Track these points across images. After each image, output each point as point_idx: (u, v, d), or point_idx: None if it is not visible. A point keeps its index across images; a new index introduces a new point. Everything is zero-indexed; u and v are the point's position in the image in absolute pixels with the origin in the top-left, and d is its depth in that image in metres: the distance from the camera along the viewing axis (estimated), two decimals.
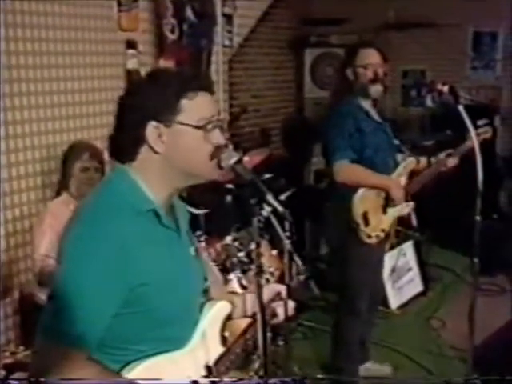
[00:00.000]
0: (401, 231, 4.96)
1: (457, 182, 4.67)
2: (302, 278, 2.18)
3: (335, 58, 6.67)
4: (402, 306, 5.23)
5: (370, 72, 3.65)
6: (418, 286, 5.49)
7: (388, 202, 3.73)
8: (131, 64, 4.61)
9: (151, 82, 1.81)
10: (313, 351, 4.46)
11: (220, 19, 5.67)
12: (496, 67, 7.19)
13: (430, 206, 4.21)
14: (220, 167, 1.82)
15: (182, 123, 1.78)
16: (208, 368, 1.92)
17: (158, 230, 1.81)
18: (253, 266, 3.76)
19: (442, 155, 3.84)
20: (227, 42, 5.84)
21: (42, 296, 3.29)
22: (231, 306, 2.12)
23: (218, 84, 5.73)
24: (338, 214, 3.72)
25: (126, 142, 1.81)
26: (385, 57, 3.73)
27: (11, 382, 2.54)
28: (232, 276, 3.91)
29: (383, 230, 3.75)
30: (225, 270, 3.94)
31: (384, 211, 3.74)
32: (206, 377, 1.89)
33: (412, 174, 3.84)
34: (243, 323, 2.14)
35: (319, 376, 4.10)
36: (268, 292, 2.17)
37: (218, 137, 1.82)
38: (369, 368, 4.12)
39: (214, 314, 2.03)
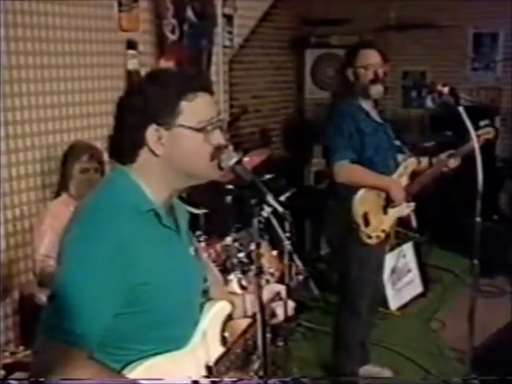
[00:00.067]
0: (401, 232, 4.96)
1: (457, 184, 4.67)
2: (301, 277, 2.18)
3: (336, 58, 6.66)
4: (402, 307, 5.23)
5: (370, 72, 3.65)
6: (417, 288, 5.49)
7: (389, 202, 3.73)
8: (132, 64, 4.61)
9: (151, 84, 1.80)
10: (312, 352, 4.47)
11: (220, 20, 5.67)
12: (496, 68, 7.19)
13: (429, 207, 4.21)
14: (220, 168, 1.82)
15: (181, 126, 1.78)
16: (208, 368, 1.92)
17: (158, 229, 1.81)
18: (253, 267, 3.76)
19: (443, 155, 3.84)
20: (227, 43, 5.84)
21: (41, 296, 3.29)
22: (231, 306, 2.12)
23: (219, 84, 5.73)
24: (339, 215, 3.72)
25: (125, 143, 1.81)
26: (385, 57, 3.74)
27: (11, 382, 2.54)
28: (232, 277, 3.91)
29: (384, 231, 3.75)
30: (225, 271, 3.94)
31: (385, 212, 3.74)
32: (206, 377, 1.89)
33: (413, 175, 3.84)
34: (243, 323, 2.14)
35: (319, 376, 4.11)
36: (267, 292, 2.18)
37: (218, 137, 1.82)
38: (369, 370, 4.12)
39: (215, 313, 2.03)
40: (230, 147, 1.85)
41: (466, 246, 3.47)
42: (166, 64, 4.87)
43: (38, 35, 3.89)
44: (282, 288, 2.20)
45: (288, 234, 1.79)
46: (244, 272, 3.99)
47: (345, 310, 3.93)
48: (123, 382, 1.73)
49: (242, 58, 6.27)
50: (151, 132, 1.77)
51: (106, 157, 3.32)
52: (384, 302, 4.95)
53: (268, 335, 1.81)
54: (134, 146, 1.80)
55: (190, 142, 1.79)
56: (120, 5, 4.47)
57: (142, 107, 1.77)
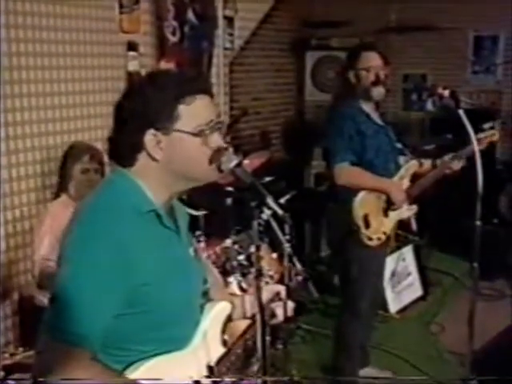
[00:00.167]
0: (400, 235, 4.96)
1: (457, 187, 4.67)
2: (300, 278, 2.18)
3: (336, 60, 6.67)
4: (402, 311, 5.23)
5: (371, 74, 3.66)
6: (417, 291, 5.48)
7: (389, 204, 3.73)
8: (132, 66, 4.61)
9: (150, 86, 1.80)
10: (312, 354, 4.46)
11: (221, 22, 5.67)
12: (497, 71, 7.19)
13: (429, 210, 4.21)
14: (220, 170, 1.82)
15: (179, 131, 1.78)
16: (210, 368, 1.92)
17: (159, 230, 1.82)
18: (252, 269, 3.76)
19: (447, 157, 3.82)
20: (228, 45, 5.84)
21: (41, 298, 3.29)
22: (232, 307, 2.12)
23: (219, 86, 5.74)
24: (339, 217, 3.73)
25: (124, 147, 1.81)
26: (386, 60, 3.74)
27: (10, 382, 2.54)
28: (232, 279, 3.91)
29: (385, 233, 3.75)
30: (224, 273, 3.94)
31: (385, 214, 3.74)
32: (207, 377, 1.90)
33: (414, 177, 3.84)
34: (243, 324, 2.14)
35: (317, 377, 4.11)
36: (267, 292, 2.18)
37: (217, 140, 1.82)
38: (368, 373, 4.12)
39: (215, 314, 2.04)
40: (230, 149, 1.85)
41: (465, 250, 3.46)
42: (167, 66, 4.87)
43: (38, 36, 3.89)
44: (281, 288, 2.20)
45: (288, 237, 1.79)
46: (244, 274, 3.99)
47: (345, 312, 3.93)
48: (125, 382, 1.73)
49: (243, 60, 6.28)
50: (149, 137, 1.77)
51: (106, 158, 3.33)
52: (384, 305, 4.95)
53: (267, 338, 1.81)
54: (132, 150, 1.80)
55: (189, 146, 1.79)
56: (121, 6, 4.47)
57: (140, 111, 1.77)
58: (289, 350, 3.83)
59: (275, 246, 4.00)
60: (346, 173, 3.63)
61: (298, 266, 1.94)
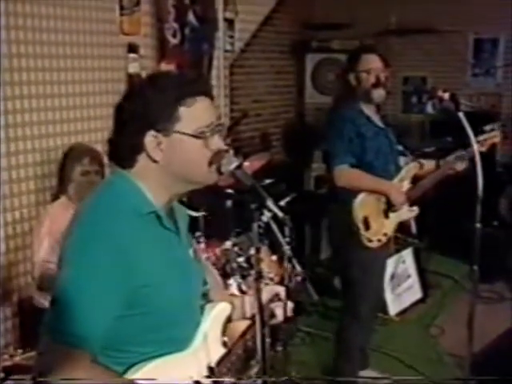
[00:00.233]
0: (400, 238, 4.96)
1: (457, 189, 4.66)
2: (299, 279, 2.18)
3: (336, 63, 6.68)
4: (401, 313, 5.22)
5: (372, 77, 3.66)
6: (417, 293, 5.48)
7: (390, 206, 3.73)
8: (133, 68, 4.61)
9: (151, 88, 1.80)
10: (311, 356, 4.46)
11: (222, 24, 5.68)
12: (497, 74, 7.19)
13: (429, 212, 4.21)
14: (220, 172, 1.82)
15: (180, 132, 1.78)
16: (210, 369, 1.93)
17: (159, 232, 1.82)
18: (252, 272, 3.76)
19: (450, 157, 3.82)
20: (228, 47, 5.85)
21: (40, 299, 3.29)
22: (231, 308, 2.13)
23: (219, 89, 5.74)
24: (340, 218, 3.73)
25: (124, 148, 1.81)
26: (386, 62, 3.75)
27: (9, 383, 2.53)
28: (231, 281, 3.91)
29: (385, 235, 3.75)
30: (224, 275, 3.94)
31: (386, 216, 3.74)
32: (207, 377, 1.90)
33: (415, 179, 3.83)
34: (243, 325, 2.14)
35: (317, 377, 4.10)
36: (266, 293, 2.18)
37: (217, 142, 1.82)
38: (368, 375, 4.11)
39: (215, 315, 2.04)
40: (230, 152, 1.86)
41: (465, 252, 3.46)
42: (167, 68, 4.87)
43: (39, 38, 3.89)
44: (280, 289, 2.21)
45: (288, 239, 1.79)
46: (243, 277, 3.98)
47: (347, 314, 3.94)
48: (125, 383, 1.73)
49: (243, 62, 6.28)
50: (150, 138, 1.77)
51: (106, 159, 3.33)
52: (383, 308, 4.95)
53: (267, 340, 1.81)
54: (132, 152, 1.80)
55: (189, 148, 1.79)
56: (121, 8, 4.47)
57: (140, 113, 1.77)
58: (288, 352, 3.83)
59: (275, 248, 4.00)
60: (346, 175, 3.63)
61: (298, 268, 1.94)
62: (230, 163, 1.81)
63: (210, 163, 1.80)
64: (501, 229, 6.06)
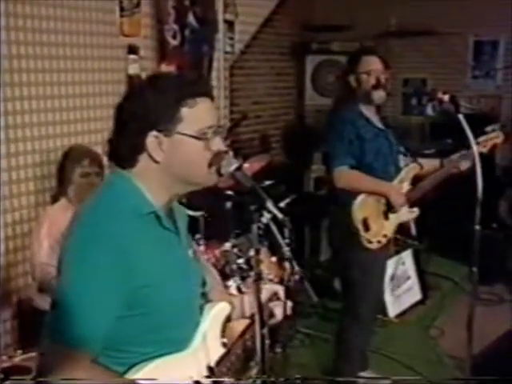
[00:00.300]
0: (400, 240, 4.96)
1: (456, 191, 4.67)
2: (297, 277, 2.18)
3: (336, 65, 6.68)
4: (401, 315, 5.22)
5: (372, 78, 3.67)
6: (416, 295, 5.48)
7: (390, 207, 3.73)
8: (133, 69, 4.61)
9: (151, 88, 1.80)
10: (311, 358, 4.46)
11: (222, 25, 5.68)
12: (496, 76, 7.20)
13: (429, 214, 4.21)
14: (220, 174, 1.82)
15: (182, 133, 1.78)
16: (210, 369, 1.93)
17: (159, 232, 1.82)
18: (252, 273, 3.75)
19: (455, 156, 3.81)
20: (228, 49, 5.85)
21: (40, 301, 3.28)
22: (231, 307, 2.13)
23: (219, 90, 5.74)
24: (340, 220, 3.73)
25: (125, 148, 1.81)
26: (386, 64, 3.76)
27: (8, 383, 2.54)
28: (231, 282, 3.91)
29: (385, 236, 3.75)
30: (224, 277, 3.94)
31: (386, 217, 3.74)
32: (207, 377, 1.90)
33: (415, 180, 3.83)
34: (242, 324, 2.15)
35: (316, 377, 4.10)
36: (265, 292, 2.18)
37: (218, 143, 1.82)
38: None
39: (215, 315, 2.04)
40: (230, 153, 1.86)
41: (465, 254, 3.47)
42: (167, 69, 4.87)
43: (39, 39, 3.89)
44: (279, 288, 2.21)
45: (287, 241, 1.79)
46: (243, 278, 3.98)
47: (347, 316, 3.94)
48: (125, 383, 1.73)
49: (243, 63, 6.28)
50: (151, 139, 1.77)
51: (105, 161, 3.33)
52: (383, 310, 4.94)
53: (267, 341, 1.81)
54: (133, 152, 1.80)
55: (191, 149, 1.79)
56: (121, 10, 4.47)
57: (142, 113, 1.77)
58: (288, 354, 3.82)
59: (275, 249, 4.00)
60: (345, 176, 3.64)
61: (296, 267, 1.95)
62: (230, 165, 1.81)
63: (210, 165, 1.80)
64: (500, 231, 6.06)
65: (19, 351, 2.86)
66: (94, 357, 1.70)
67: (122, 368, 1.76)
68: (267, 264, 4.01)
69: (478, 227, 3.28)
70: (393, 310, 5.17)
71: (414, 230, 5.10)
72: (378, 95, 3.70)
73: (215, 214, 4.30)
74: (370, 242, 3.68)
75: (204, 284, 2.06)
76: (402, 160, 3.90)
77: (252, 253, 1.86)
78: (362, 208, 3.66)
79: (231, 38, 5.86)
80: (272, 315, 2.19)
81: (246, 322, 2.15)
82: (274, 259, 4.12)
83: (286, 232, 1.78)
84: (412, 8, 6.97)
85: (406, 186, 3.80)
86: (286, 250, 1.80)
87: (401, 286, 5.32)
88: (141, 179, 1.81)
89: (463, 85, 7.10)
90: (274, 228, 1.76)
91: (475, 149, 3.35)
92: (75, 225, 1.76)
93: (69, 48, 4.11)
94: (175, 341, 1.85)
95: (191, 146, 1.79)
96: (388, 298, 5.10)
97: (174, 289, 1.81)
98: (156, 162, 1.79)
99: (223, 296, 2.33)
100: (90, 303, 1.67)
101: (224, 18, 5.69)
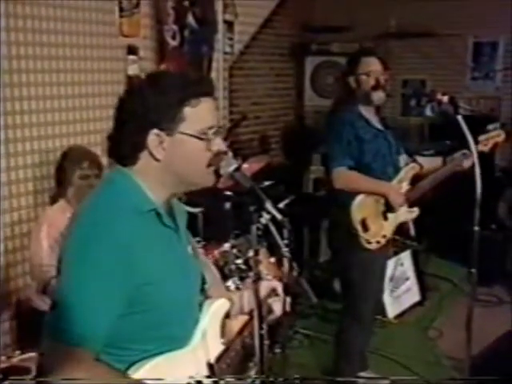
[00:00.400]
0: (398, 240, 4.96)
1: (455, 192, 4.67)
2: (295, 273, 2.19)
3: (336, 66, 6.69)
4: (400, 316, 5.22)
5: (372, 79, 3.67)
6: (415, 296, 5.48)
7: (389, 208, 3.73)
8: (132, 70, 4.61)
9: (153, 87, 1.80)
10: (310, 359, 4.45)
11: (221, 26, 5.68)
12: (496, 77, 7.20)
13: (428, 215, 4.21)
14: (218, 174, 1.82)
15: (184, 133, 1.78)
16: (210, 366, 1.93)
17: (159, 229, 1.82)
18: (251, 273, 3.76)
19: (457, 154, 3.80)
20: (228, 49, 5.85)
21: (39, 301, 3.28)
22: (230, 303, 2.13)
23: (218, 91, 5.74)
24: (339, 220, 3.73)
25: (126, 146, 1.81)
26: (386, 65, 3.76)
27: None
28: (230, 283, 3.91)
29: (384, 236, 3.74)
30: (223, 277, 3.93)
31: (385, 217, 3.74)
32: (208, 377, 1.90)
33: (415, 180, 3.83)
34: (241, 320, 2.16)
35: (316, 377, 4.10)
36: (264, 288, 2.18)
37: (219, 144, 1.82)
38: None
39: (214, 312, 2.05)
40: (229, 154, 1.86)
41: (464, 255, 3.47)
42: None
43: (38, 39, 3.89)
44: (277, 284, 2.22)
45: (286, 241, 1.79)
46: (242, 278, 3.98)
47: (347, 316, 3.94)
48: (128, 382, 1.74)
49: (243, 64, 6.29)
50: (153, 137, 1.77)
51: (105, 162, 3.33)
52: (381, 310, 4.94)
53: (266, 341, 1.81)
54: (134, 150, 1.80)
55: (192, 149, 1.80)
56: (121, 10, 4.47)
57: (143, 112, 1.77)
58: (287, 355, 3.82)
59: (274, 250, 4.00)
60: (344, 177, 3.64)
61: (294, 266, 1.95)
62: (229, 165, 1.82)
63: (209, 165, 1.81)
64: (499, 232, 6.07)
65: (18, 352, 2.86)
66: (95, 355, 1.70)
67: (123, 365, 1.76)
68: (266, 265, 4.01)
69: (476, 228, 3.28)
70: (392, 311, 5.17)
71: (412, 231, 5.10)
72: (378, 96, 3.70)
73: (214, 214, 4.30)
74: (369, 242, 3.68)
75: (203, 281, 2.07)
76: (401, 160, 3.90)
77: (251, 253, 1.87)
78: (360, 208, 3.66)
79: (231, 39, 5.86)
80: (271, 311, 2.19)
81: (245, 318, 2.16)
82: (272, 260, 4.12)
83: (285, 233, 1.78)
84: (411, 9, 6.97)
85: (405, 186, 3.80)
86: (285, 250, 1.81)
87: (399, 287, 5.32)
88: (141, 177, 1.81)
89: (462, 86, 7.10)
90: (273, 229, 1.76)
91: (474, 150, 3.34)
92: (75, 223, 1.77)
93: (68, 48, 4.11)
94: (176, 338, 1.86)
95: (192, 145, 1.79)
96: (387, 298, 5.10)
97: (175, 286, 1.81)
98: (157, 160, 1.79)
99: (222, 292, 2.34)
100: (91, 302, 1.67)
101: (223, 18, 5.69)
